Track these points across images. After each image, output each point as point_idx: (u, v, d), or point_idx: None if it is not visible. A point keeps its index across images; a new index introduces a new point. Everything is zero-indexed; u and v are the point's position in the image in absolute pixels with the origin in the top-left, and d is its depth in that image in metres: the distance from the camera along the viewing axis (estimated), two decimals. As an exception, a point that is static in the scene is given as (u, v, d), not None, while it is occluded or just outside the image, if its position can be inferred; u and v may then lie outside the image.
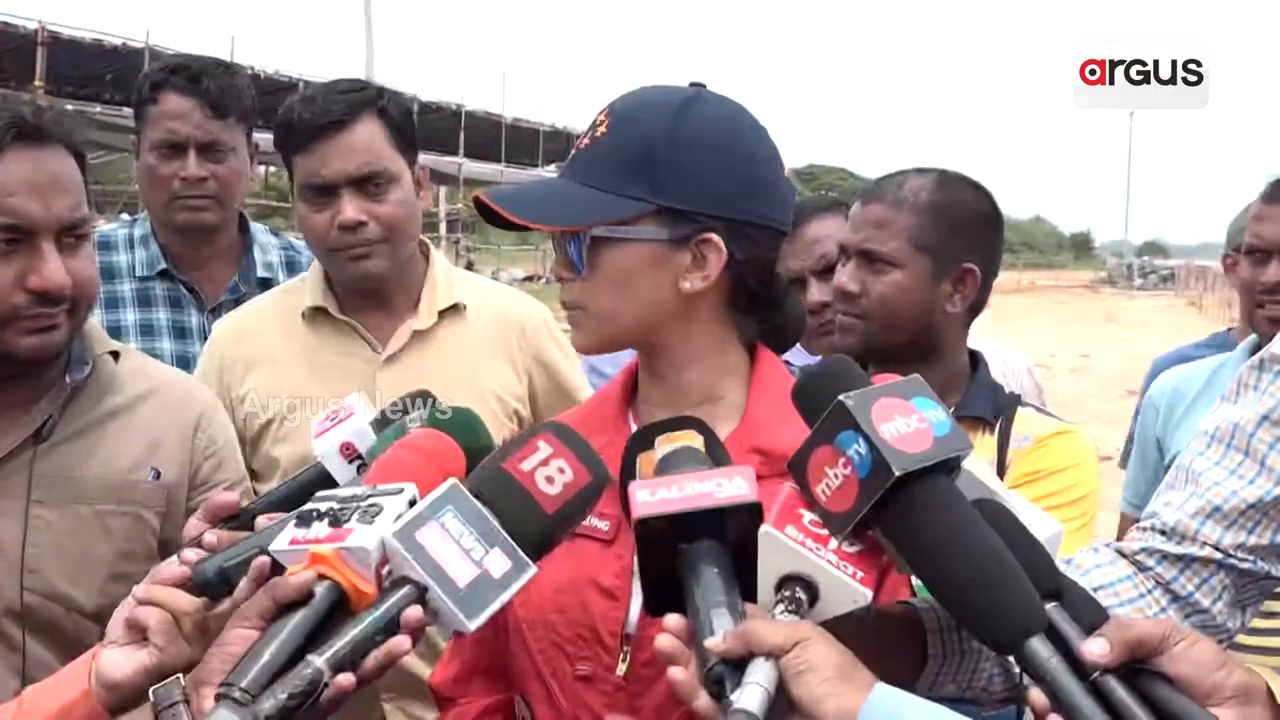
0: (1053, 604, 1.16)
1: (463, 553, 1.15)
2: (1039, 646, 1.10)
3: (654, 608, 1.21)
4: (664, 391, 1.51)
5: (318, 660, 1.07)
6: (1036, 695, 1.10)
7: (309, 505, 1.25)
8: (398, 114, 2.35)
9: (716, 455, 1.31)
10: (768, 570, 1.15)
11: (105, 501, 1.68)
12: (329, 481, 1.51)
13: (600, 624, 1.43)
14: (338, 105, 2.28)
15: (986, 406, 2.09)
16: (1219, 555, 1.45)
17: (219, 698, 1.06)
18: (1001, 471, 2.01)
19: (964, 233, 2.10)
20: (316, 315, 2.40)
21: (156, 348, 2.73)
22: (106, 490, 1.69)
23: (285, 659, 1.10)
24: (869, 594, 1.14)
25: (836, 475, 1.14)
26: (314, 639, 1.12)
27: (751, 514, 1.16)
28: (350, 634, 1.10)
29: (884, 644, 1.27)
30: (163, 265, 2.82)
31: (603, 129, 1.43)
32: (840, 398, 1.15)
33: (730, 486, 1.17)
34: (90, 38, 22.33)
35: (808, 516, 1.16)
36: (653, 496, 1.17)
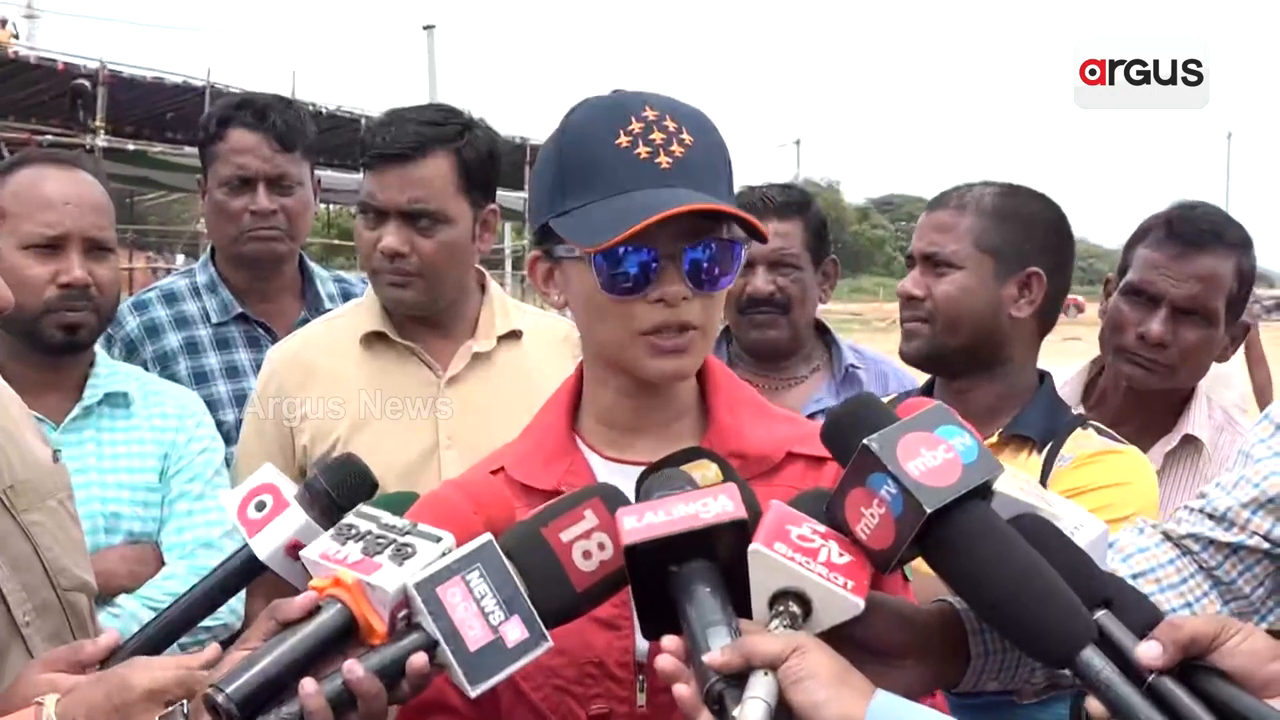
0: (1103, 611, 1.17)
1: (480, 615, 1.15)
2: (1091, 657, 1.11)
3: (650, 632, 1.22)
4: (639, 410, 1.47)
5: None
6: (1094, 705, 1.11)
7: (350, 520, 1.25)
8: (475, 155, 2.32)
9: (738, 483, 1.29)
10: (760, 587, 1.15)
11: (57, 491, 1.69)
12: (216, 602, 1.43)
13: (607, 657, 1.39)
14: (409, 137, 2.27)
15: (1035, 427, 2.05)
16: (1267, 545, 1.46)
17: (205, 698, 1.09)
18: None
19: (1030, 237, 2.10)
20: (374, 340, 2.41)
21: (245, 388, 2.75)
22: (45, 482, 1.69)
23: (280, 670, 1.12)
24: (861, 604, 1.15)
25: (873, 515, 1.17)
26: (318, 658, 1.14)
27: (740, 531, 1.17)
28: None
29: (931, 645, 1.29)
30: (239, 310, 2.84)
31: (686, 137, 1.37)
32: (865, 441, 1.17)
33: (716, 505, 1.17)
34: (151, 76, 22.62)
35: (795, 531, 1.16)
36: (640, 522, 1.17)
